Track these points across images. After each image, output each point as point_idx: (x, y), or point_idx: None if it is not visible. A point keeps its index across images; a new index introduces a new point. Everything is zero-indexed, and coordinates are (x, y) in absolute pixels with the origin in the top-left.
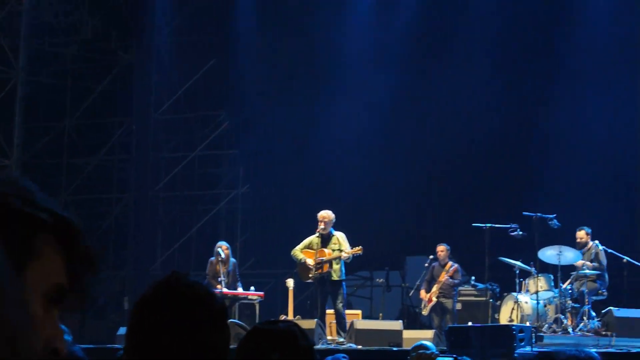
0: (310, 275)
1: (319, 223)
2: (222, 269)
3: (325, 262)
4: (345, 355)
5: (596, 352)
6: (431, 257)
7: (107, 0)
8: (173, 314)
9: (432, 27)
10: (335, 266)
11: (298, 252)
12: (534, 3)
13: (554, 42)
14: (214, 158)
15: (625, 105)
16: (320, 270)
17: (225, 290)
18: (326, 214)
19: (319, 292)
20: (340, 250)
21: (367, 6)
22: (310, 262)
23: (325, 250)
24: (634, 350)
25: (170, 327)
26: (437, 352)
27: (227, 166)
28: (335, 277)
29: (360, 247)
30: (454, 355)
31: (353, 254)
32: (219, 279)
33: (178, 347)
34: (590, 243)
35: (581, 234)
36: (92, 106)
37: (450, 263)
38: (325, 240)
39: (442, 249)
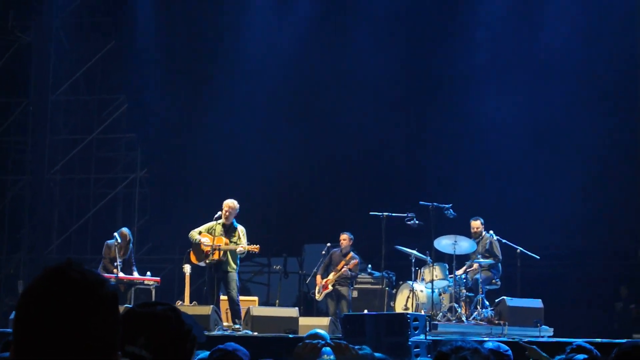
0: (206, 261)
1: (224, 212)
2: (118, 253)
3: (220, 250)
4: (238, 348)
5: (496, 340)
6: (329, 244)
7: None
8: (60, 301)
9: (324, 27)
10: (230, 259)
11: (195, 233)
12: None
13: (447, 37)
14: (112, 141)
15: (514, 97)
16: (214, 257)
17: (121, 274)
18: (232, 204)
19: (213, 278)
20: (237, 245)
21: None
22: (206, 241)
23: (224, 238)
24: (525, 339)
25: (58, 315)
26: (323, 342)
27: (125, 150)
28: (228, 268)
29: (257, 245)
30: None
31: (249, 251)
32: (115, 264)
33: (66, 336)
34: (484, 233)
35: (476, 224)
36: None
37: (351, 254)
38: (227, 230)
39: (345, 238)
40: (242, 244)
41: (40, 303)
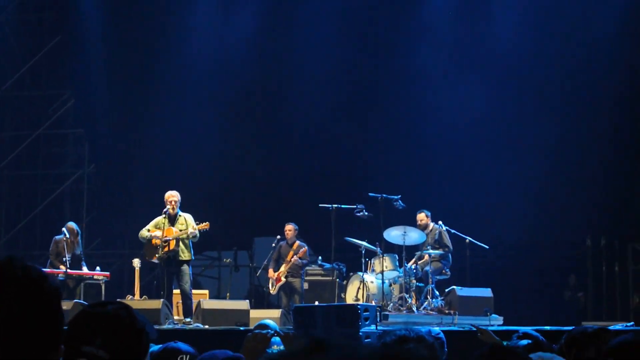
0: (156, 255)
1: (169, 203)
2: (67, 249)
3: (172, 239)
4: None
5: (440, 330)
6: (278, 237)
7: None
8: (3, 296)
9: (272, 21)
10: (183, 247)
11: (145, 231)
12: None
13: (396, 30)
14: (59, 137)
15: (464, 89)
16: (166, 248)
17: (69, 270)
18: (175, 194)
19: (165, 272)
20: (187, 229)
21: None
22: (158, 234)
23: (173, 228)
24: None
25: (1, 310)
26: (272, 332)
27: (72, 145)
28: (182, 257)
29: (207, 222)
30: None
31: (201, 230)
32: (64, 259)
33: (9, 330)
34: (432, 224)
35: (421, 217)
36: None
37: (298, 243)
38: (172, 220)
39: (290, 228)
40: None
41: None
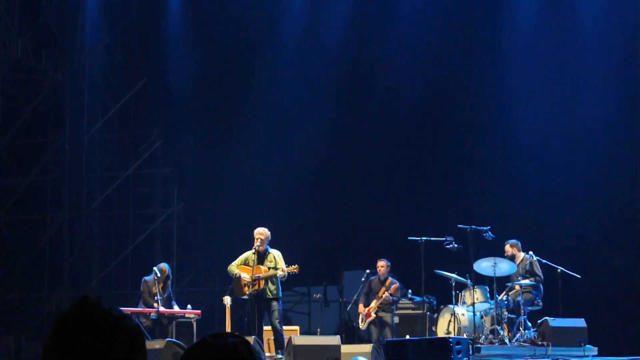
0: (246, 292)
1: (255, 240)
2: (158, 288)
3: (261, 278)
4: None
5: None
6: (368, 271)
7: (37, 20)
8: (91, 335)
9: (362, 39)
10: (271, 285)
11: (234, 267)
12: (466, 10)
13: (486, 57)
14: (148, 177)
15: (554, 117)
16: (256, 287)
17: (162, 309)
18: (262, 231)
19: (255, 308)
20: (276, 269)
21: (299, 17)
22: (246, 276)
23: (262, 267)
24: None
25: (87, 342)
26: None
27: (161, 185)
28: (270, 295)
29: (296, 265)
30: None
31: (289, 273)
32: (155, 298)
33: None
34: (522, 254)
35: (506, 248)
36: (23, 126)
37: (390, 279)
38: (261, 257)
39: (382, 265)
40: (281, 267)
41: (71, 330)
